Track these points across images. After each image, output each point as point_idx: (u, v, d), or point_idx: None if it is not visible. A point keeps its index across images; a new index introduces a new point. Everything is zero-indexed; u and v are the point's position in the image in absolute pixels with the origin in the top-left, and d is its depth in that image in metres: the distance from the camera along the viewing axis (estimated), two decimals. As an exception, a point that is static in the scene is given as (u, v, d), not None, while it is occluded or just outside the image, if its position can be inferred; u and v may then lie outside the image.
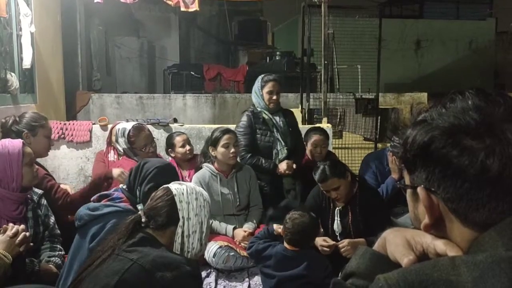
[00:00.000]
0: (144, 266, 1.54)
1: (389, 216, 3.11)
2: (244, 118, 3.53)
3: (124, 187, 2.27)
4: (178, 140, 3.70)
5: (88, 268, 1.63)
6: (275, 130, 3.51)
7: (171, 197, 1.78)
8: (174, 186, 1.83)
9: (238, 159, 3.34)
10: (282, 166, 3.41)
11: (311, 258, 2.55)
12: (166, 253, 1.66)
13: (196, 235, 1.79)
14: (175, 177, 2.31)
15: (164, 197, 1.78)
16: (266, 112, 3.53)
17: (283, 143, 3.49)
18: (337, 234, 2.94)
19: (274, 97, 3.50)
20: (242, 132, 3.47)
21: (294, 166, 3.41)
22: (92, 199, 2.31)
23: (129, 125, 3.18)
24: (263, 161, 3.42)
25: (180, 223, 1.76)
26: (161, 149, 4.04)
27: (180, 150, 3.68)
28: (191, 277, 1.63)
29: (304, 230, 2.56)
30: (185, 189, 1.82)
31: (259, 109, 3.54)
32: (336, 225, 2.94)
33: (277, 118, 3.55)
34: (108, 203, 2.18)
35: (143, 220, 1.75)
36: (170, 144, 3.74)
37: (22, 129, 2.95)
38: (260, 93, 3.54)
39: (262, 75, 3.64)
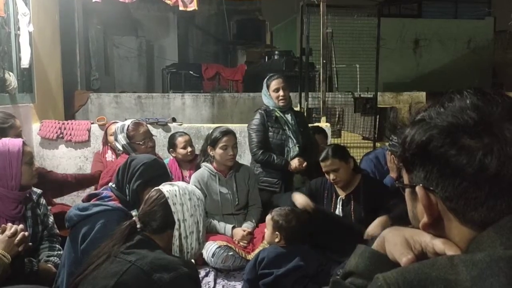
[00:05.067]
0: (142, 268, 1.53)
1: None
2: (257, 116, 3.56)
3: (113, 185, 2.26)
4: (180, 141, 3.70)
5: (83, 272, 1.63)
6: (287, 128, 3.53)
7: (164, 201, 1.75)
8: (166, 188, 1.80)
9: (250, 155, 3.38)
10: (294, 162, 3.44)
11: (303, 251, 2.57)
12: (164, 255, 1.65)
13: (193, 235, 1.78)
14: (163, 172, 2.30)
15: (157, 201, 1.76)
16: (278, 111, 3.55)
17: (294, 141, 3.51)
18: None
19: (282, 94, 3.52)
20: (255, 129, 3.50)
21: (305, 164, 3.43)
22: (81, 199, 2.30)
23: (128, 122, 3.19)
24: (275, 158, 3.44)
25: (176, 226, 1.74)
26: (159, 148, 4.03)
27: (181, 151, 3.68)
28: (189, 279, 1.62)
29: (299, 225, 2.59)
30: (177, 190, 1.79)
31: (271, 108, 3.56)
32: (338, 214, 2.99)
33: (289, 117, 3.57)
34: (97, 202, 2.16)
35: (138, 226, 1.74)
36: (171, 144, 3.74)
37: None
38: (268, 93, 3.57)
39: (268, 76, 3.67)
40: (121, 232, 1.69)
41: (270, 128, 3.53)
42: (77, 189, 3.58)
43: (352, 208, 2.94)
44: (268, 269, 2.51)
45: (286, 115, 3.57)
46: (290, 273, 2.48)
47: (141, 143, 3.05)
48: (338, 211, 2.98)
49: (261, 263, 2.52)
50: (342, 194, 3.00)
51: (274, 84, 3.54)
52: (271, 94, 3.55)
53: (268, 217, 2.63)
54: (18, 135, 3.01)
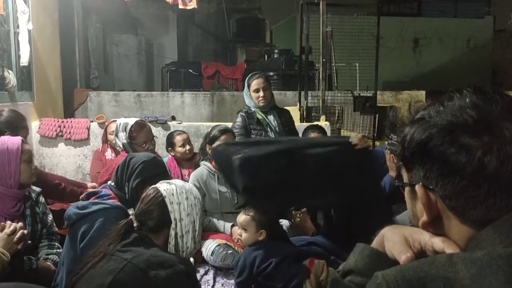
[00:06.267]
0: (139, 265, 1.53)
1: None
2: (239, 119, 3.53)
3: (113, 183, 2.26)
4: (178, 139, 3.70)
5: (79, 272, 1.63)
6: (269, 130, 3.51)
7: (161, 200, 1.75)
8: (163, 187, 1.80)
9: None
10: None
11: (284, 240, 2.63)
12: (160, 252, 1.65)
13: (189, 234, 1.78)
14: (163, 170, 2.30)
15: (154, 200, 1.76)
16: (260, 112, 3.52)
17: None
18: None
19: (262, 94, 3.48)
20: (237, 133, 3.47)
21: None
22: (80, 197, 2.30)
23: (131, 120, 3.17)
24: None
25: (173, 225, 1.74)
26: (159, 147, 4.03)
27: (179, 149, 3.68)
28: (186, 275, 1.62)
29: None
30: (175, 189, 1.79)
31: (252, 109, 3.54)
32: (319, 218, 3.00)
33: (271, 118, 3.54)
34: (96, 200, 2.17)
35: (135, 225, 1.74)
36: (170, 143, 3.74)
37: (3, 129, 2.86)
38: (248, 93, 3.54)
39: (249, 75, 3.62)
40: (117, 230, 1.70)
41: (252, 130, 3.50)
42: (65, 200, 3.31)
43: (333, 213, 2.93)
44: (263, 264, 2.52)
45: (268, 116, 3.53)
46: (286, 259, 2.49)
47: (142, 145, 3.03)
48: (319, 217, 2.96)
49: (253, 263, 2.52)
50: None
51: (254, 84, 3.50)
52: (251, 94, 3.51)
53: (246, 219, 2.57)
54: (25, 137, 3.01)
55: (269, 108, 3.55)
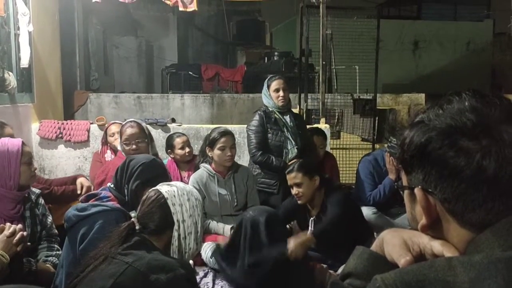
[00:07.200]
0: (139, 269, 1.53)
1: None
2: (256, 117, 3.56)
3: (112, 185, 2.26)
4: (178, 141, 3.70)
5: (80, 274, 1.63)
6: (285, 130, 3.54)
7: (163, 202, 1.75)
8: (164, 189, 1.79)
9: (249, 156, 3.39)
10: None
11: None
12: (161, 256, 1.65)
13: (192, 235, 1.78)
14: (162, 172, 2.29)
15: (156, 202, 1.75)
16: (277, 112, 3.56)
17: (293, 143, 3.52)
18: None
19: (282, 94, 3.54)
20: (254, 131, 3.51)
21: None
22: (80, 199, 2.29)
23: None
24: (274, 159, 3.44)
25: (176, 226, 1.74)
26: (158, 149, 4.03)
27: (179, 152, 3.68)
28: (186, 279, 1.62)
29: None
30: (176, 191, 1.79)
31: (270, 109, 3.57)
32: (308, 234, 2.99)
33: (287, 118, 3.58)
34: (95, 202, 2.15)
35: (137, 227, 1.74)
36: (170, 145, 3.74)
37: None
38: (268, 93, 3.58)
39: (269, 76, 3.70)
40: (119, 233, 1.69)
41: (269, 129, 3.54)
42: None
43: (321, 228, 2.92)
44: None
45: (285, 117, 3.58)
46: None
47: (124, 143, 3.00)
48: (310, 231, 2.94)
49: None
50: (313, 215, 2.99)
51: (274, 84, 3.56)
52: (271, 94, 3.57)
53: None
54: None
55: (286, 109, 3.61)
